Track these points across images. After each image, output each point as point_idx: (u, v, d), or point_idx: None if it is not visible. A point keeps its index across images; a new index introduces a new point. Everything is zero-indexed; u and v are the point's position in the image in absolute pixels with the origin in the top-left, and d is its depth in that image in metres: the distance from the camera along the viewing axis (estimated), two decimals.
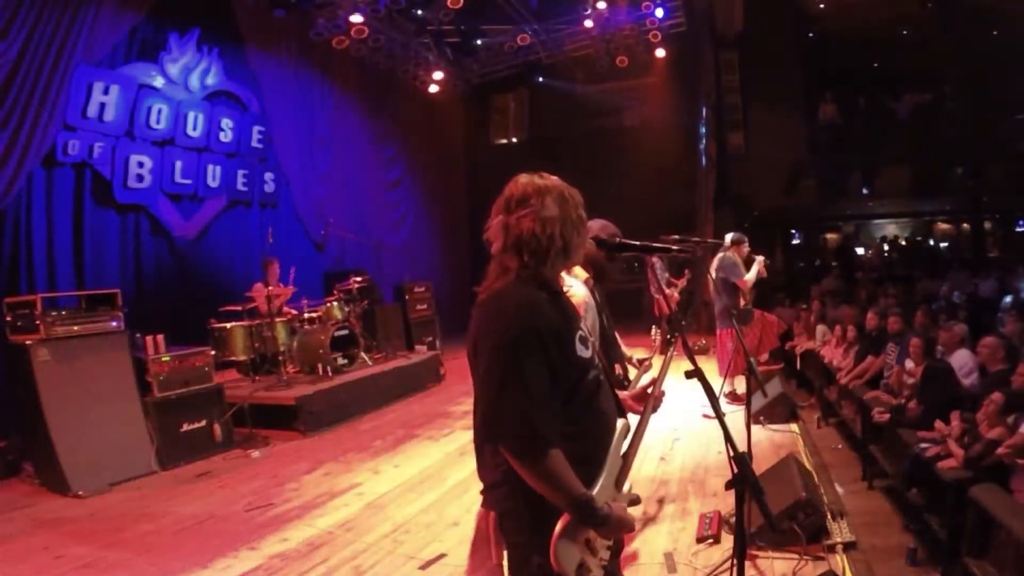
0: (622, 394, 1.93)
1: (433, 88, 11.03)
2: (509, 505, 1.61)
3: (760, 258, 6.12)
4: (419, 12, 9.44)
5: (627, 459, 1.72)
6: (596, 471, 1.61)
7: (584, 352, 1.65)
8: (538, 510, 1.56)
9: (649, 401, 1.88)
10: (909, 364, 4.78)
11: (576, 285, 3.42)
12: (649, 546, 3.45)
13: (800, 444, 5.16)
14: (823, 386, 6.50)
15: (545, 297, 1.60)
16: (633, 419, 1.86)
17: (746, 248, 6.18)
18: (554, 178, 1.71)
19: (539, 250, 1.62)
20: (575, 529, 1.52)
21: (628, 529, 1.61)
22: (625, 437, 1.74)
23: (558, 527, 1.49)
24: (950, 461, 3.46)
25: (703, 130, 12.15)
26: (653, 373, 2.07)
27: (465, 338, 1.67)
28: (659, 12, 10.07)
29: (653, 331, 3.43)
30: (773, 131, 13.17)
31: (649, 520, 3.82)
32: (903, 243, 15.54)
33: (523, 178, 1.70)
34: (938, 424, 3.83)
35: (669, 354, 2.06)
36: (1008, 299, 6.78)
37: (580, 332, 1.66)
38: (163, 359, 5.38)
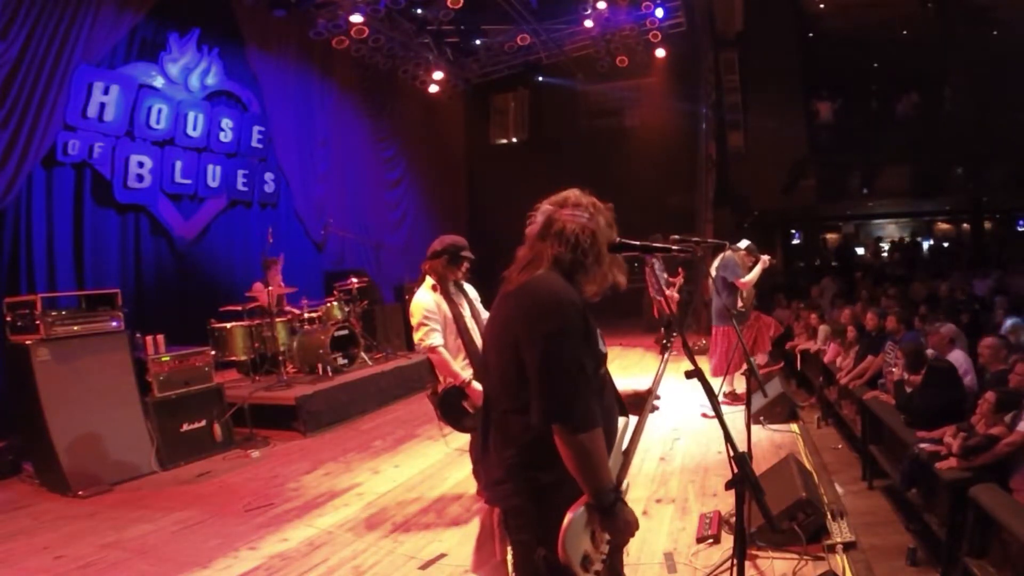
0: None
1: (433, 88, 11.02)
2: (515, 502, 1.63)
3: (765, 257, 6.08)
4: (419, 12, 9.43)
5: (627, 456, 1.74)
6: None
7: (602, 347, 1.72)
8: (543, 506, 1.58)
9: (646, 407, 1.90)
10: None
11: (419, 292, 3.59)
12: (649, 546, 3.45)
13: (800, 444, 5.16)
14: (823, 386, 6.50)
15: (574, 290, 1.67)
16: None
17: (752, 259, 6.10)
18: (605, 205, 1.81)
19: (577, 250, 1.68)
20: (584, 521, 1.55)
21: (632, 531, 1.63)
22: (626, 434, 1.76)
23: (567, 518, 1.52)
24: (949, 461, 3.46)
25: (703, 130, 12.15)
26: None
27: (489, 326, 1.70)
28: (659, 12, 10.06)
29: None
30: (773, 131, 13.18)
31: (649, 520, 3.82)
32: (905, 240, 15.54)
33: (581, 191, 1.79)
34: (946, 439, 3.76)
35: (665, 358, 2.05)
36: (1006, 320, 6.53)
37: (598, 329, 1.72)
38: (163, 359, 5.39)
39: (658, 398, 1.94)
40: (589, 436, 1.53)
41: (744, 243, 6.14)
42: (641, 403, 1.91)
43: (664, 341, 2.12)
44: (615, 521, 1.57)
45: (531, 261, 1.70)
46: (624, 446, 1.76)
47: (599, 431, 1.56)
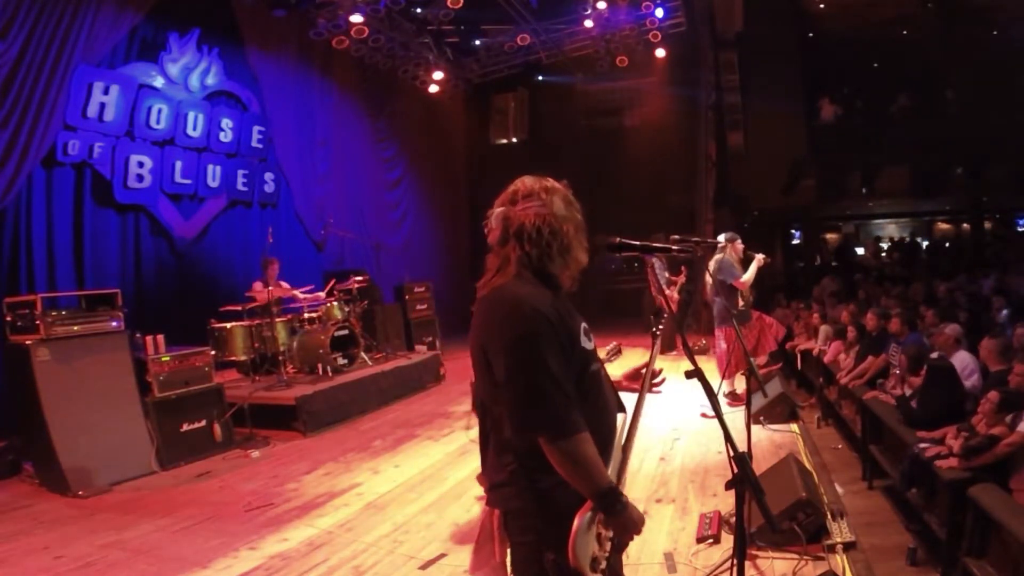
0: (615, 376, 1.93)
1: (433, 88, 11.02)
2: (516, 504, 1.62)
3: (759, 256, 6.07)
4: (419, 12, 9.44)
5: (626, 452, 1.74)
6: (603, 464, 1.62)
7: (587, 344, 1.68)
8: (546, 509, 1.57)
9: (645, 382, 1.88)
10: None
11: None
12: (649, 546, 3.44)
13: (800, 444, 5.16)
14: (823, 386, 6.51)
15: (546, 291, 1.62)
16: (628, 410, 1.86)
17: (740, 244, 6.10)
18: (559, 183, 1.75)
19: (541, 243, 1.63)
20: (591, 523, 1.54)
21: (638, 529, 1.61)
22: (623, 431, 1.76)
23: (575, 523, 1.51)
24: (950, 461, 3.46)
25: (703, 130, 12.15)
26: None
27: (469, 336, 1.68)
28: (659, 12, 10.06)
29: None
30: (773, 131, 13.18)
31: (649, 520, 3.82)
32: (906, 239, 15.55)
33: (529, 178, 1.74)
34: (947, 440, 3.76)
35: (656, 344, 2.05)
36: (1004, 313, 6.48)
37: (583, 324, 1.68)
38: (163, 359, 5.38)
39: (658, 377, 1.92)
40: (571, 442, 1.50)
41: (722, 237, 6.09)
42: (640, 379, 1.89)
43: (654, 329, 2.13)
44: (620, 521, 1.56)
45: (499, 267, 1.66)
46: (622, 442, 1.76)
47: (582, 436, 1.52)
